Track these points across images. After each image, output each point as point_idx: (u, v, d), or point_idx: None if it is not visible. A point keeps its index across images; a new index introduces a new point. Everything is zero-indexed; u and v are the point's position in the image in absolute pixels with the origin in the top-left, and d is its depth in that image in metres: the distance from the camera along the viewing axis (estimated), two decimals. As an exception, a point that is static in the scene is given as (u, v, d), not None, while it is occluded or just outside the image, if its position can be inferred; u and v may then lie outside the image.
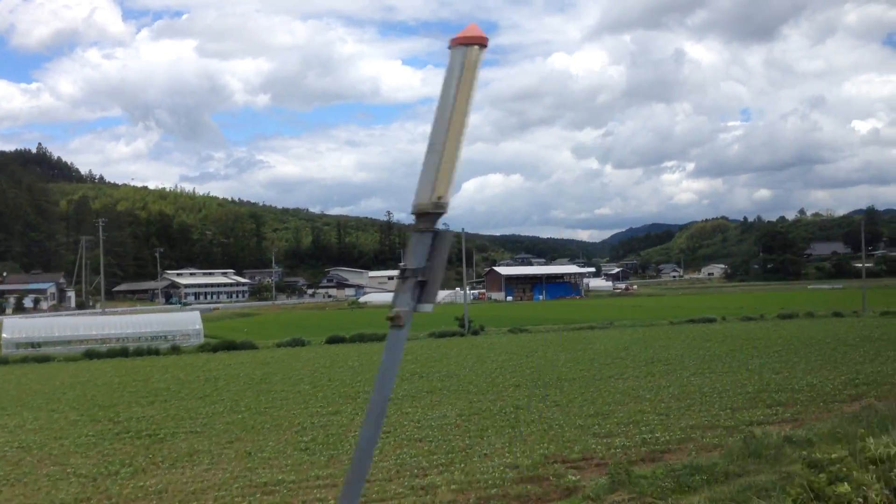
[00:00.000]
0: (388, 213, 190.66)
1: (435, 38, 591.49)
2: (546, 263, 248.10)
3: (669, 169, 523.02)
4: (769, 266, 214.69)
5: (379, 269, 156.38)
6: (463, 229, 74.01)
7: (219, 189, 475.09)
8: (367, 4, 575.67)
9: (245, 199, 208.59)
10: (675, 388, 21.32)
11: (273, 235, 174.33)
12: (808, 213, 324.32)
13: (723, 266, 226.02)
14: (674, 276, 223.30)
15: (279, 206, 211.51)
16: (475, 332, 50.17)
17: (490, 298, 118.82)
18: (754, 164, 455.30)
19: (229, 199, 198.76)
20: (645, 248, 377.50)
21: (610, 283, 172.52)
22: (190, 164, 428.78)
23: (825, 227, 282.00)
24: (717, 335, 40.85)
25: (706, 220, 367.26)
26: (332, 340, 47.00)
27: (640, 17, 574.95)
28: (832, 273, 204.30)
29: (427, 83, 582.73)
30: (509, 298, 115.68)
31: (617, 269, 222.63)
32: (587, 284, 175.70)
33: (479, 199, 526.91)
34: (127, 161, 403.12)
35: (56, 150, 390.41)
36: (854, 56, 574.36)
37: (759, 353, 31.13)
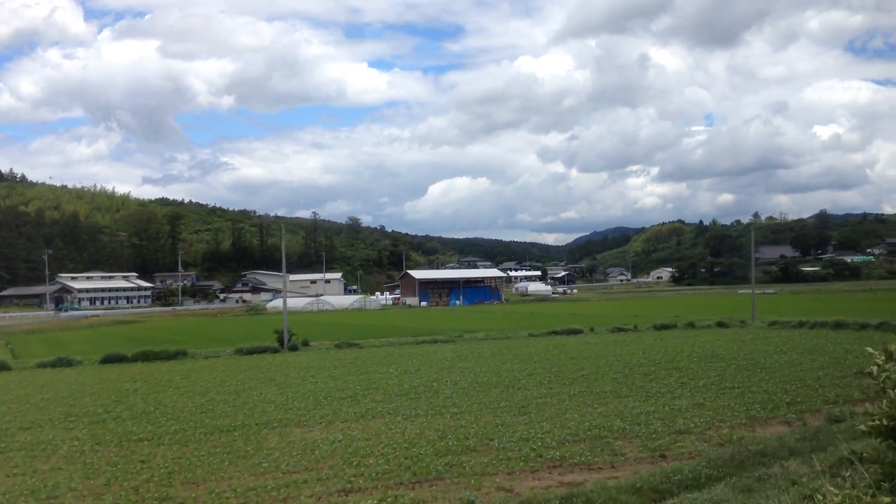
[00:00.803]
0: (314, 213, 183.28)
1: (401, 40, 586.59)
2: (493, 266, 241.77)
3: (634, 173, 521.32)
4: (716, 270, 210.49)
5: (302, 273, 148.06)
6: (283, 225, 67.18)
7: (182, 191, 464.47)
8: (333, 6, 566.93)
9: (173, 199, 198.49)
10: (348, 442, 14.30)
11: (193, 237, 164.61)
12: (763, 217, 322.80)
13: (671, 270, 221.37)
14: (621, 280, 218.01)
15: (228, 207, 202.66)
16: (294, 348, 42.43)
17: (405, 304, 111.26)
18: (717, 168, 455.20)
19: (153, 199, 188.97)
20: (602, 251, 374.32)
21: (549, 288, 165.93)
22: (153, 165, 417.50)
23: (778, 231, 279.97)
24: (541, 354, 33.85)
25: (662, 223, 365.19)
26: (109, 360, 38.90)
27: (606, 21, 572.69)
28: (779, 277, 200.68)
29: (393, 86, 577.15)
30: (424, 304, 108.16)
31: (563, 273, 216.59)
32: (526, 288, 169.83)
33: (444, 202, 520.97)
34: (88, 163, 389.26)
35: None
36: (816, 62, 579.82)
37: (538, 380, 24.01)
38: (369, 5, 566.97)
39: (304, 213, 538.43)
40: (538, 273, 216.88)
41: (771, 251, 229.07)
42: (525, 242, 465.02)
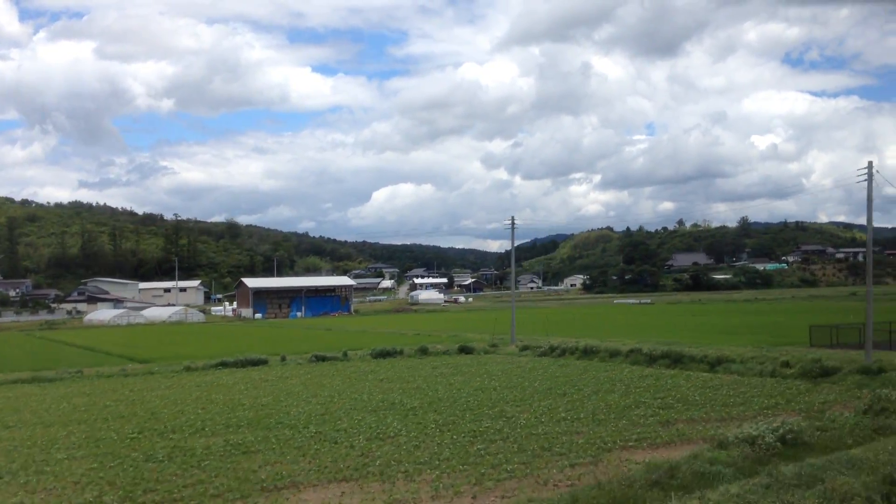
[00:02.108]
0: (176, 214, 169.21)
1: (345, 46, 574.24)
2: (401, 273, 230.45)
3: (577, 181, 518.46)
4: (627, 277, 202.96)
5: (160, 280, 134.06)
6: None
7: (120, 196, 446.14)
8: (275, 10, 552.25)
9: (35, 202, 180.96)
10: None
11: (40, 242, 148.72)
12: (687, 225, 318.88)
13: (583, 277, 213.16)
14: (531, 288, 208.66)
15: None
16: None
17: (241, 315, 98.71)
18: (658, 176, 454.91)
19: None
20: (532, 257, 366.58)
21: (442, 296, 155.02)
22: (89, 169, 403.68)
23: (701, 239, 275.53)
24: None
25: (591, 230, 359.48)
26: None
27: (548, 30, 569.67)
28: (689, 285, 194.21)
29: (337, 91, 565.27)
30: (259, 315, 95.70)
31: (470, 280, 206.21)
32: (417, 297, 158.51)
33: (389, 208, 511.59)
34: (22, 166, 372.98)
35: None
36: (754, 73, 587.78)
37: None
38: (313, 10, 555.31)
39: (248, 219, 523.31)
40: (444, 281, 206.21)
41: (685, 258, 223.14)
42: (463, 249, 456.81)
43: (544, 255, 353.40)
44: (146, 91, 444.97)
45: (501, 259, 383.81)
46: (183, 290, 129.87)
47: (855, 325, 36.76)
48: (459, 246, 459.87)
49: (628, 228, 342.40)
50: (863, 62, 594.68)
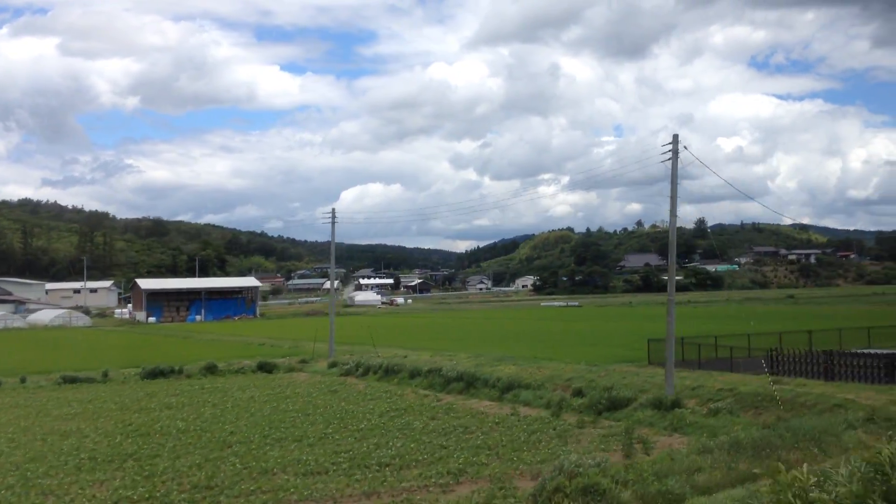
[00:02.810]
0: (96, 210, 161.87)
1: (313, 44, 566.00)
2: (348, 274, 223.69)
3: (546, 181, 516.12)
4: (577, 278, 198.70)
5: (72, 280, 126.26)
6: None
7: (84, 194, 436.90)
8: (242, 7, 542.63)
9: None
10: None
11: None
12: (646, 226, 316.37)
13: (534, 278, 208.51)
14: (480, 289, 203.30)
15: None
16: None
17: (135, 319, 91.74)
18: (626, 178, 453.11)
19: None
20: (491, 258, 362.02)
21: (379, 297, 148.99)
22: (53, 167, 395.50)
23: (657, 240, 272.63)
24: None
25: (551, 231, 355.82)
26: None
27: (517, 30, 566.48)
28: (639, 286, 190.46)
29: (306, 90, 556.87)
30: (153, 319, 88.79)
31: (418, 281, 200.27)
32: (352, 298, 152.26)
33: (357, 208, 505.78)
34: None
35: None
36: (720, 76, 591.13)
37: None
38: (281, 8, 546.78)
39: (214, 218, 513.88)
40: (390, 281, 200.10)
41: (637, 259, 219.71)
42: (428, 249, 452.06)
43: (504, 256, 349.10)
44: (111, 88, 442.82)
45: (460, 259, 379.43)
46: (93, 290, 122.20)
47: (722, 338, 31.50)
48: (428, 246, 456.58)
49: (588, 229, 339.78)
50: (828, 66, 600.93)
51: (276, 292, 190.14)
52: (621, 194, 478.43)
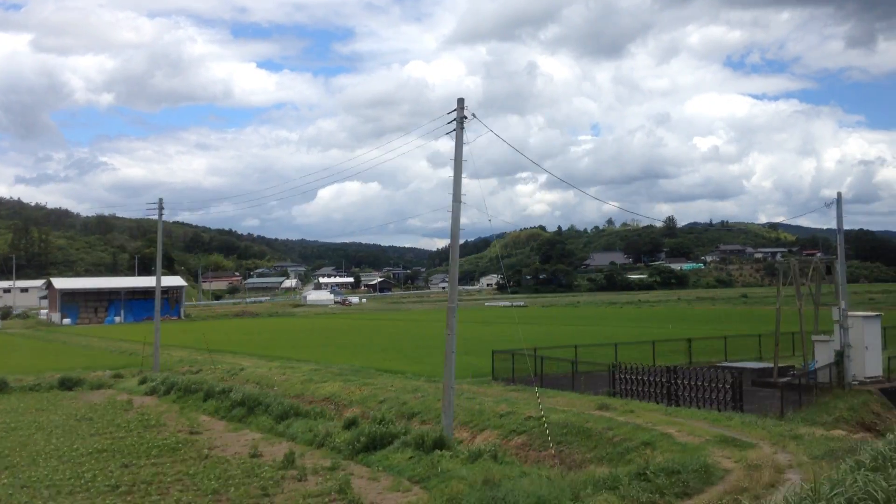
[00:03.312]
0: (37, 203, 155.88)
1: (290, 42, 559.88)
2: (311, 272, 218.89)
3: (523, 180, 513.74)
4: (541, 277, 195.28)
5: (3, 280, 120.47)
6: None
7: (58, 192, 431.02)
8: (218, 4, 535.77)
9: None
10: None
11: None
12: (617, 224, 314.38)
13: (497, 277, 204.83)
14: (443, 288, 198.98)
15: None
16: None
17: (50, 320, 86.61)
18: (603, 177, 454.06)
19: None
20: (462, 256, 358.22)
21: (332, 297, 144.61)
22: (27, 164, 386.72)
23: (625, 238, 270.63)
24: None
25: (522, 229, 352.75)
26: None
27: (495, 29, 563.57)
28: (603, 285, 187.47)
29: (282, 87, 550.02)
30: (67, 321, 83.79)
31: (379, 280, 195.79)
32: (305, 298, 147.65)
33: (334, 206, 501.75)
34: None
35: None
36: (696, 76, 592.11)
37: None
38: (257, 5, 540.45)
39: (190, 216, 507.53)
40: (350, 280, 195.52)
41: (603, 258, 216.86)
42: (403, 248, 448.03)
43: (475, 254, 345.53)
44: (85, 85, 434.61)
45: (431, 258, 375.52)
46: (24, 290, 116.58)
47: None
48: (407, 245, 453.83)
49: (560, 227, 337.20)
50: (802, 66, 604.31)
51: (232, 291, 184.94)
52: (599, 193, 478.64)
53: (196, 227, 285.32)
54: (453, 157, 18.37)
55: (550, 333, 45.18)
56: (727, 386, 18.64)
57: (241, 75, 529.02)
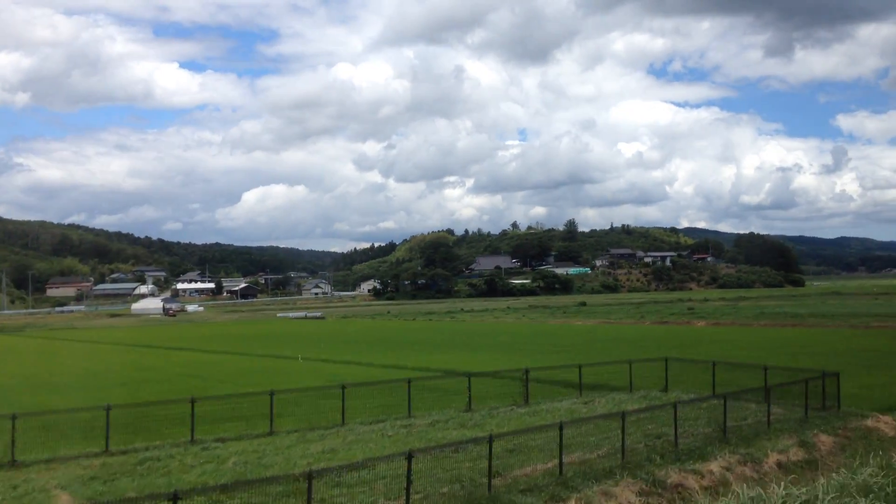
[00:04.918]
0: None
1: (214, 42, 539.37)
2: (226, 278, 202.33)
3: (451, 184, 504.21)
4: (420, 282, 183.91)
5: None
6: None
7: None
8: (139, 3, 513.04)
9: None
10: None
11: None
12: (522, 228, 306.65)
13: (374, 282, 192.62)
14: (315, 294, 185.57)
15: None
16: None
17: None
18: (531, 181, 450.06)
19: None
20: (367, 259, 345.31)
21: (161, 305, 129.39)
22: None
23: (530, 242, 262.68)
24: None
25: (430, 232, 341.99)
26: None
27: (422, 32, 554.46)
28: (484, 290, 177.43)
29: (206, 88, 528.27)
30: None
31: (242, 285, 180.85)
32: (137, 306, 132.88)
33: (260, 210, 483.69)
34: None
35: None
36: (621, 83, 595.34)
37: None
38: (179, 4, 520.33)
39: (109, 219, 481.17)
40: (211, 286, 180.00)
41: (489, 262, 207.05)
42: (322, 252, 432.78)
43: (378, 259, 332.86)
44: None
45: (336, 262, 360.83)
46: None
47: None
48: (334, 249, 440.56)
49: (467, 231, 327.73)
50: (723, 75, 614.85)
51: (79, 298, 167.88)
52: (526, 197, 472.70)
53: (67, 227, 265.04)
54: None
55: (164, 366, 32.95)
56: None
57: (163, 75, 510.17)
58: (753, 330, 48.52)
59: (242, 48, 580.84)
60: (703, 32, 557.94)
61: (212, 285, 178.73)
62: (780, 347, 34.10)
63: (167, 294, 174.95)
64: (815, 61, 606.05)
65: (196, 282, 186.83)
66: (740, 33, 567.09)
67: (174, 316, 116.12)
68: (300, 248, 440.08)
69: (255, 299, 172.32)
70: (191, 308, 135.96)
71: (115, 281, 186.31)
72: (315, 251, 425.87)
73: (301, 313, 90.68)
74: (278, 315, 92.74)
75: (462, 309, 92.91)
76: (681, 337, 42.84)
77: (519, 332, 51.67)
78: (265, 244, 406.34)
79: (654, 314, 64.83)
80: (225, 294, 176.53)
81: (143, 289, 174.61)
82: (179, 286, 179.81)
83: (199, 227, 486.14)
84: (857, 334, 40.93)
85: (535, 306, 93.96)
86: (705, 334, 45.33)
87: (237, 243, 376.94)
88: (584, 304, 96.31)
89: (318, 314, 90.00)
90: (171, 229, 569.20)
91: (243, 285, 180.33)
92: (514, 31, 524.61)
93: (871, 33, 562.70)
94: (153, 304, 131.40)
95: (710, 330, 49.88)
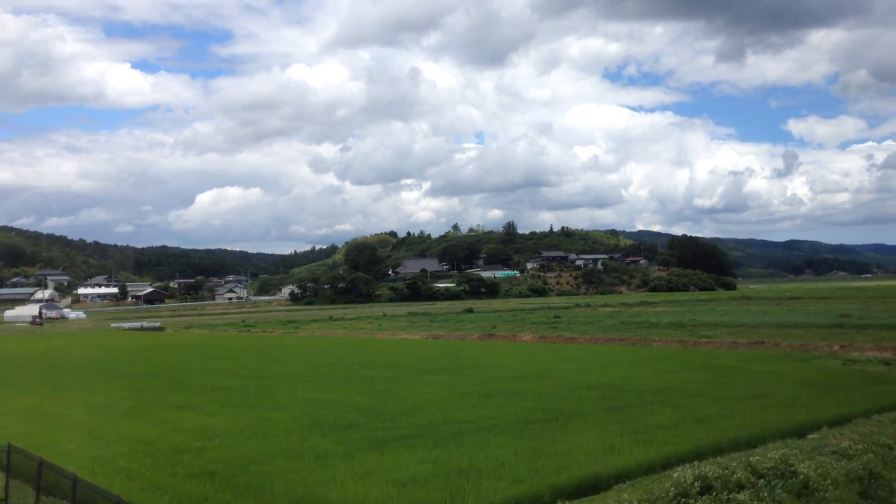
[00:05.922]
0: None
1: (166, 42, 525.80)
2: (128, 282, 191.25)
3: (408, 187, 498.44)
4: (340, 286, 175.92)
5: None
6: None
7: None
8: (89, 2, 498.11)
9: None
10: None
11: None
12: (464, 230, 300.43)
13: (293, 286, 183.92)
14: (230, 299, 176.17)
15: None
16: None
17: None
18: (487, 184, 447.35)
19: None
20: (310, 261, 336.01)
21: (30, 313, 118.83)
22: None
23: (471, 243, 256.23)
24: None
25: (372, 235, 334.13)
26: None
27: (377, 33, 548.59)
28: (406, 294, 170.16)
29: (158, 89, 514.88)
30: None
31: (148, 290, 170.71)
32: (7, 315, 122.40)
33: (213, 212, 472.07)
34: None
35: None
36: (577, 87, 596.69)
37: None
38: (130, 4, 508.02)
39: (58, 222, 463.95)
40: (115, 291, 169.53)
41: (415, 265, 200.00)
42: (272, 255, 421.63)
43: (318, 262, 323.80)
44: None
45: (275, 266, 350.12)
46: None
47: None
48: (288, 252, 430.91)
49: (409, 233, 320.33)
50: (676, 79, 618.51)
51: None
52: (483, 200, 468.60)
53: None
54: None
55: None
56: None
57: (115, 76, 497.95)
58: (552, 346, 41.81)
59: (195, 49, 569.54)
60: (657, 37, 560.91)
61: (115, 290, 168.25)
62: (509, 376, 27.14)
63: (68, 300, 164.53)
64: (767, 66, 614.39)
65: (101, 286, 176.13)
66: (693, 38, 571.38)
67: (41, 325, 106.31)
68: (251, 252, 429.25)
69: (161, 304, 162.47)
70: (72, 315, 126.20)
71: (14, 285, 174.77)
72: (265, 254, 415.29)
73: (138, 323, 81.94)
74: (112, 326, 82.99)
75: (331, 317, 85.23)
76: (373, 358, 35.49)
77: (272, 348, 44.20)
78: (215, 247, 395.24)
79: (508, 325, 58.10)
80: (130, 299, 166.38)
81: (40, 294, 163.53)
82: (81, 291, 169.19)
83: (152, 230, 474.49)
84: (649, 354, 34.01)
85: (415, 313, 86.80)
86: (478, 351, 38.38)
87: (187, 246, 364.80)
88: (470, 310, 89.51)
89: (158, 324, 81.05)
90: (123, 232, 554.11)
91: (147, 291, 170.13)
92: (470, 33, 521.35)
93: (822, 39, 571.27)
94: (28, 311, 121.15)
95: (483, 345, 43.09)
